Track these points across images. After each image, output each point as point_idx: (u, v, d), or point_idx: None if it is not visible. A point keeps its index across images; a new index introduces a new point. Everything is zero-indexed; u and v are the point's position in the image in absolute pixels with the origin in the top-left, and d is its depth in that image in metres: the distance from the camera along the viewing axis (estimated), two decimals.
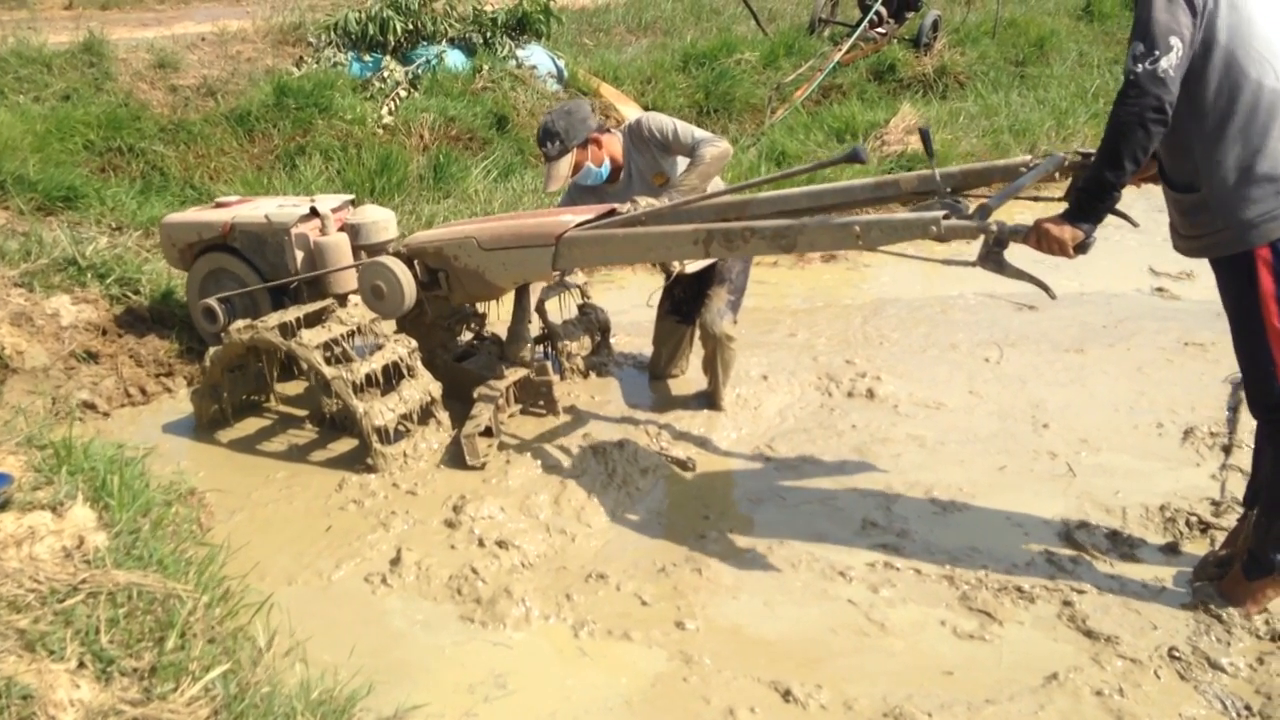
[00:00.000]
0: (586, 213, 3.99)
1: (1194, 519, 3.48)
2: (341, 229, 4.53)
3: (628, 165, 4.38)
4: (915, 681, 2.80)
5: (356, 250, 4.47)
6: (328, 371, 3.93)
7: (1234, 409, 4.25)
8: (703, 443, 4.22)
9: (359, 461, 4.03)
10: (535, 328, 4.66)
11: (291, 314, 4.18)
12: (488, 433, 4.10)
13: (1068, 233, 2.81)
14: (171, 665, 2.38)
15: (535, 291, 4.52)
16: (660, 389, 4.77)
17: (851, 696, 2.74)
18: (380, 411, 3.94)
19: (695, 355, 4.75)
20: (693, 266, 4.40)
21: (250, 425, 4.47)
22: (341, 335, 4.08)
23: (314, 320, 4.22)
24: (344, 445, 4.24)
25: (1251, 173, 2.66)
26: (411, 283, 4.16)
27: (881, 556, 3.38)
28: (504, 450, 4.13)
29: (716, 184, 4.30)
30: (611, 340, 5.04)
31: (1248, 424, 3.96)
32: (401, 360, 4.10)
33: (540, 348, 4.84)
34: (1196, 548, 3.34)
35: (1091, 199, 2.78)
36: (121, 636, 2.42)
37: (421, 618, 3.13)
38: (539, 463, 4.02)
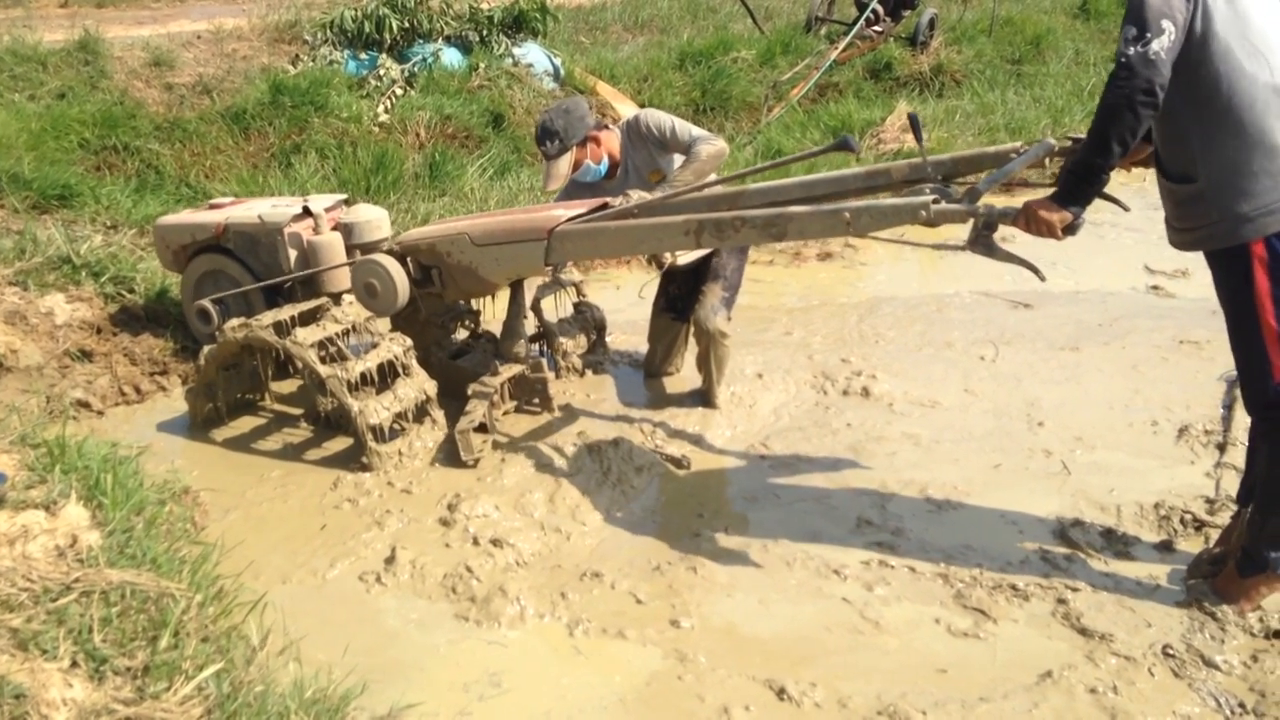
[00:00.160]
0: (579, 207, 3.99)
1: (1188, 517, 3.48)
2: (335, 228, 4.52)
3: (625, 161, 4.39)
4: (909, 679, 2.80)
5: (350, 249, 4.47)
6: (322, 370, 3.93)
7: (1229, 407, 4.26)
8: (698, 441, 4.22)
9: (354, 460, 4.03)
10: (531, 326, 4.66)
11: (287, 312, 4.17)
12: (482, 429, 4.10)
13: (1056, 215, 2.81)
14: (165, 664, 2.37)
15: (531, 288, 4.51)
16: (655, 387, 4.77)
17: (846, 694, 2.74)
18: (375, 410, 3.94)
19: (690, 353, 4.75)
20: (685, 259, 4.40)
21: (245, 424, 4.46)
22: (336, 334, 4.08)
23: (308, 319, 4.22)
24: (339, 444, 4.23)
25: (1247, 166, 2.66)
26: (405, 280, 4.15)
27: (876, 554, 3.38)
28: (499, 449, 4.13)
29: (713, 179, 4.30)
30: (607, 338, 5.03)
31: (1242, 422, 3.98)
32: (396, 358, 4.10)
33: (536, 345, 4.84)
34: (1191, 545, 3.34)
35: (1080, 181, 2.78)
36: (114, 635, 2.42)
37: (416, 616, 3.13)
38: (534, 461, 4.02)
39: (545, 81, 8.89)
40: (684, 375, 4.81)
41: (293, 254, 4.52)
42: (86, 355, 4.75)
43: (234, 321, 4.11)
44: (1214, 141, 2.69)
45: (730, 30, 11.69)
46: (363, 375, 3.97)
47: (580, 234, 3.80)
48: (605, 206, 3.97)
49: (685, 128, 4.26)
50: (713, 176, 4.26)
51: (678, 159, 4.32)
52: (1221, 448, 3.95)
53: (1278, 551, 2.92)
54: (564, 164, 4.25)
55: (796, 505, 3.72)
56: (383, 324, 4.33)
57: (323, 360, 3.98)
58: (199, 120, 7.34)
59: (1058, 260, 5.41)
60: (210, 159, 7.14)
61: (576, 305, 4.93)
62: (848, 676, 2.82)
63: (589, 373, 4.85)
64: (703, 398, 4.52)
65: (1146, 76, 2.57)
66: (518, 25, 9.19)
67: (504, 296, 4.60)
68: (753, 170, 3.99)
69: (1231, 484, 3.62)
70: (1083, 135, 2.86)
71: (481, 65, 8.55)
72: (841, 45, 10.33)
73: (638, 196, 4.01)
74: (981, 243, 3.01)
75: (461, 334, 4.86)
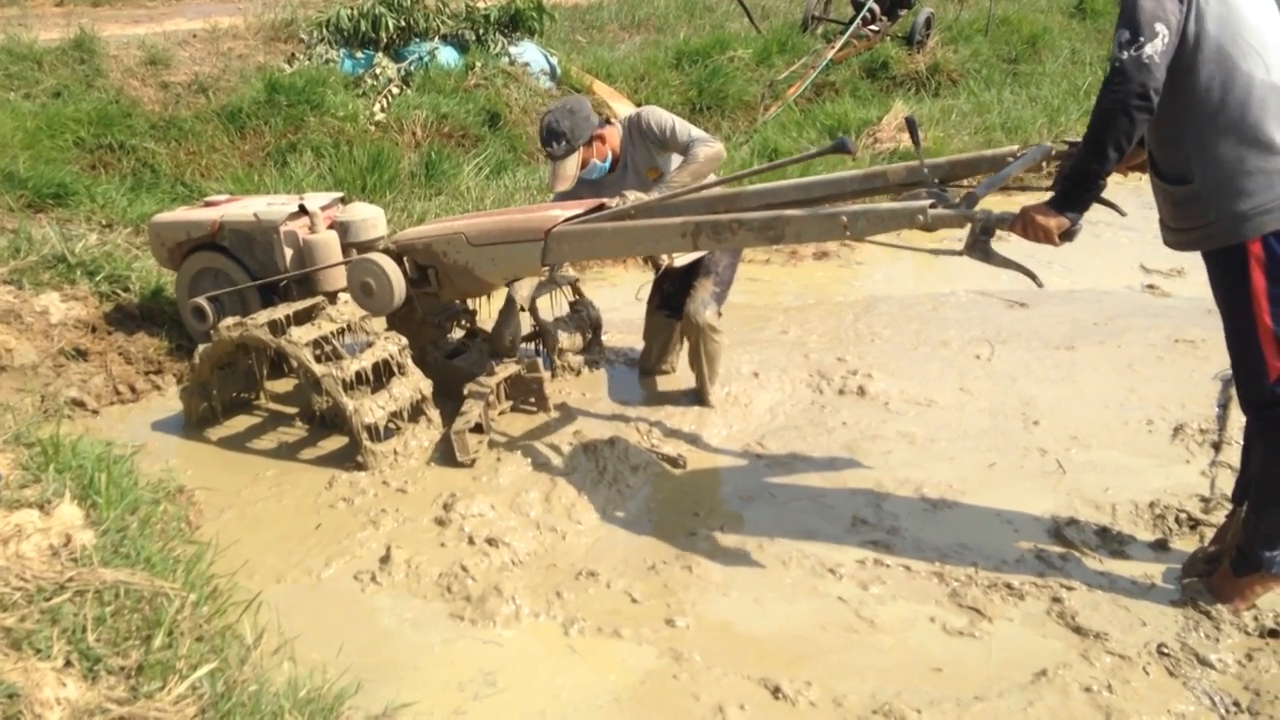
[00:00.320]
0: (575, 207, 3.99)
1: (1183, 516, 3.49)
2: (330, 226, 4.52)
3: (624, 157, 4.40)
4: (904, 678, 2.80)
5: (346, 248, 4.46)
6: (317, 369, 3.92)
7: (1224, 406, 4.26)
8: (693, 440, 4.22)
9: (349, 459, 4.02)
10: (527, 324, 4.66)
11: (281, 311, 4.16)
12: (478, 429, 4.10)
13: (1053, 221, 2.81)
14: (158, 663, 2.37)
15: (527, 286, 4.52)
16: (651, 386, 4.77)
17: (841, 693, 2.74)
18: (370, 409, 3.93)
19: (685, 350, 4.76)
20: (681, 260, 4.40)
21: (240, 423, 4.46)
22: (331, 333, 4.07)
23: (304, 318, 4.21)
24: (334, 443, 4.23)
25: (1243, 165, 2.66)
26: (401, 279, 4.15)
27: (871, 553, 3.38)
28: (494, 448, 4.12)
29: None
30: (603, 337, 5.03)
31: (1237, 421, 3.99)
32: (392, 357, 4.09)
33: (531, 344, 4.84)
34: (1186, 544, 3.35)
35: (1077, 187, 2.78)
36: (108, 635, 2.41)
37: (411, 615, 3.13)
38: (529, 460, 4.01)
39: (542, 80, 8.89)
40: (680, 374, 4.81)
41: (288, 252, 4.51)
42: (81, 354, 4.74)
43: (229, 320, 4.10)
44: (1209, 141, 2.69)
45: (727, 29, 11.69)
46: (358, 374, 3.97)
47: (577, 235, 3.79)
48: (602, 207, 3.97)
49: (685, 128, 4.27)
50: (712, 177, 4.27)
51: (676, 158, 4.33)
52: (1216, 446, 3.96)
53: (1272, 550, 2.93)
54: (571, 164, 4.25)
55: (792, 504, 3.72)
56: (378, 323, 4.32)
57: (318, 359, 3.97)
58: (194, 119, 7.34)
59: (1053, 259, 5.38)
60: (206, 158, 7.13)
61: (572, 304, 4.93)
62: (843, 675, 2.82)
63: (585, 371, 4.85)
64: (696, 396, 4.52)
65: (1140, 81, 2.57)
66: (514, 24, 9.18)
67: (500, 296, 4.60)
68: (751, 172, 3.99)
69: (1226, 483, 3.62)
70: (1079, 139, 2.87)
71: (478, 64, 8.55)
72: (838, 44, 10.33)
73: (634, 198, 4.01)
74: (979, 248, 3.00)
75: (457, 333, 4.86)
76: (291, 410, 4.55)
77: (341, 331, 4.13)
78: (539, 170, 7.62)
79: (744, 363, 4.84)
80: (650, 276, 4.75)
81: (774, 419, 4.38)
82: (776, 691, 2.74)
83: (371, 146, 7.20)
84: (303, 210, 4.56)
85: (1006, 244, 3.03)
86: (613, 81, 9.55)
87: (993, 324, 5.34)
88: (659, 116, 4.31)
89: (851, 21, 10.63)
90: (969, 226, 3.00)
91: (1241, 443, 3.22)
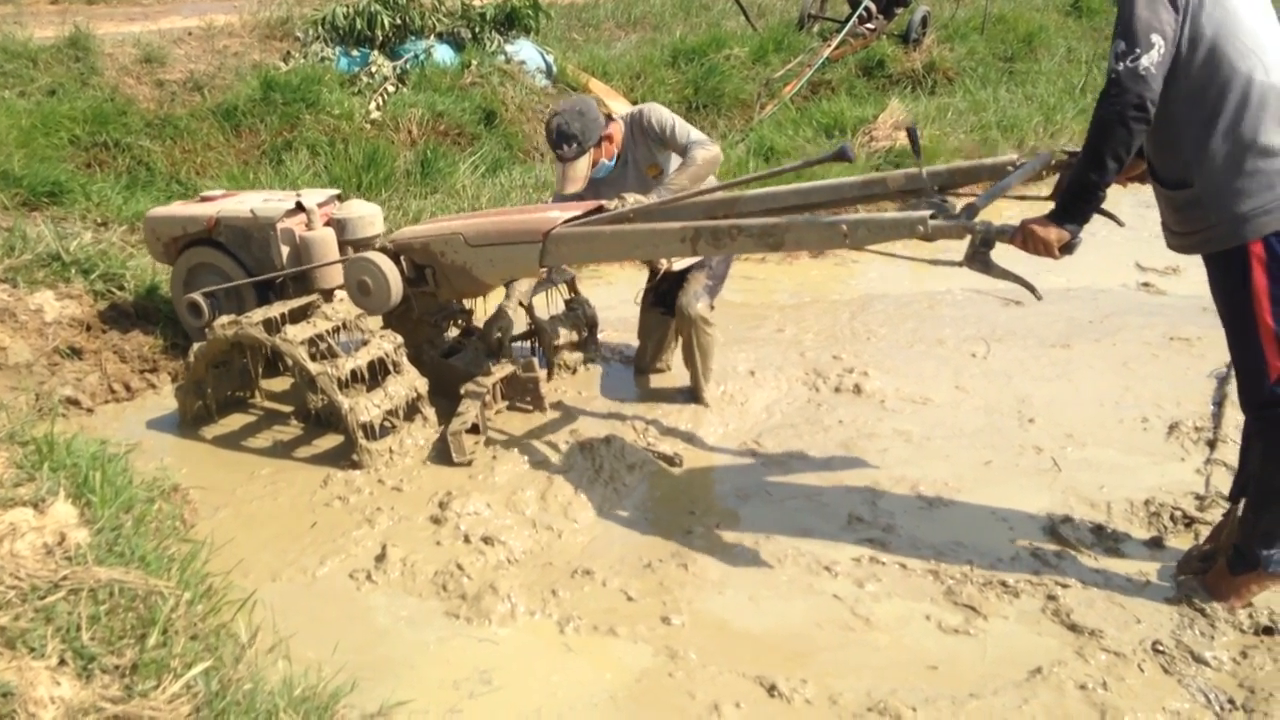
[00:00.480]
0: (574, 209, 3.98)
1: (1178, 513, 3.49)
2: (327, 224, 4.51)
3: (626, 154, 4.40)
4: (900, 676, 2.80)
5: (343, 245, 4.45)
6: (313, 367, 3.92)
7: (1219, 403, 4.27)
8: (689, 438, 4.22)
9: (344, 458, 4.02)
10: (522, 323, 4.66)
11: (276, 309, 4.16)
12: (474, 429, 4.09)
13: (1053, 234, 2.81)
14: (153, 662, 2.36)
15: (526, 283, 4.51)
16: (647, 384, 4.76)
17: (836, 691, 2.74)
18: (366, 407, 3.93)
19: (680, 347, 4.76)
20: (680, 264, 4.40)
21: (235, 421, 4.45)
22: (327, 331, 4.07)
23: (299, 316, 4.20)
24: (329, 441, 4.22)
25: (1243, 166, 2.66)
26: (398, 278, 4.14)
27: (867, 551, 3.38)
28: (490, 446, 4.12)
29: (710, 183, 4.30)
30: (599, 335, 5.03)
31: (1232, 418, 4.00)
32: (387, 356, 4.09)
33: (527, 343, 4.83)
34: (1181, 542, 3.35)
35: (1076, 200, 2.78)
36: (103, 634, 2.40)
37: (406, 614, 3.13)
38: (525, 459, 4.01)
39: (537, 79, 8.88)
40: (675, 372, 4.81)
41: (285, 249, 4.50)
42: (76, 352, 4.73)
43: (224, 319, 4.09)
44: (1207, 145, 2.69)
45: (723, 27, 11.68)
46: (353, 372, 3.96)
47: (576, 237, 3.78)
48: (600, 209, 3.96)
49: (685, 129, 4.27)
50: (711, 180, 4.27)
51: (675, 157, 4.33)
52: (1212, 444, 3.96)
53: (1269, 549, 2.93)
54: (583, 166, 4.23)
55: (788, 502, 3.72)
56: (374, 321, 4.32)
57: (313, 357, 3.97)
58: (190, 117, 7.32)
59: (1048, 260, 5.40)
60: (201, 156, 7.11)
61: (568, 302, 4.93)
62: (838, 673, 2.82)
63: (581, 370, 4.85)
64: (691, 394, 4.52)
65: (1137, 92, 2.57)
66: (510, 22, 9.18)
67: (496, 295, 4.60)
68: (752, 178, 3.98)
69: (1221, 480, 3.63)
70: (1079, 149, 2.87)
71: (474, 62, 8.54)
72: (834, 43, 10.33)
73: (633, 200, 4.00)
74: (979, 259, 3.00)
75: (453, 332, 4.85)
76: (287, 408, 4.55)
77: (337, 330, 4.12)
78: (535, 168, 7.62)
79: (740, 361, 4.84)
80: (646, 277, 4.75)
81: (770, 417, 4.38)
82: (772, 689, 2.75)
83: (367, 145, 7.18)
84: (300, 207, 4.55)
85: (1005, 255, 3.02)
86: (609, 80, 9.55)
87: (988, 322, 5.35)
88: (660, 114, 4.31)
89: (848, 20, 10.63)
90: (969, 238, 2.99)
91: (1236, 440, 3.22)
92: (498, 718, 2.68)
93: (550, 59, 9.21)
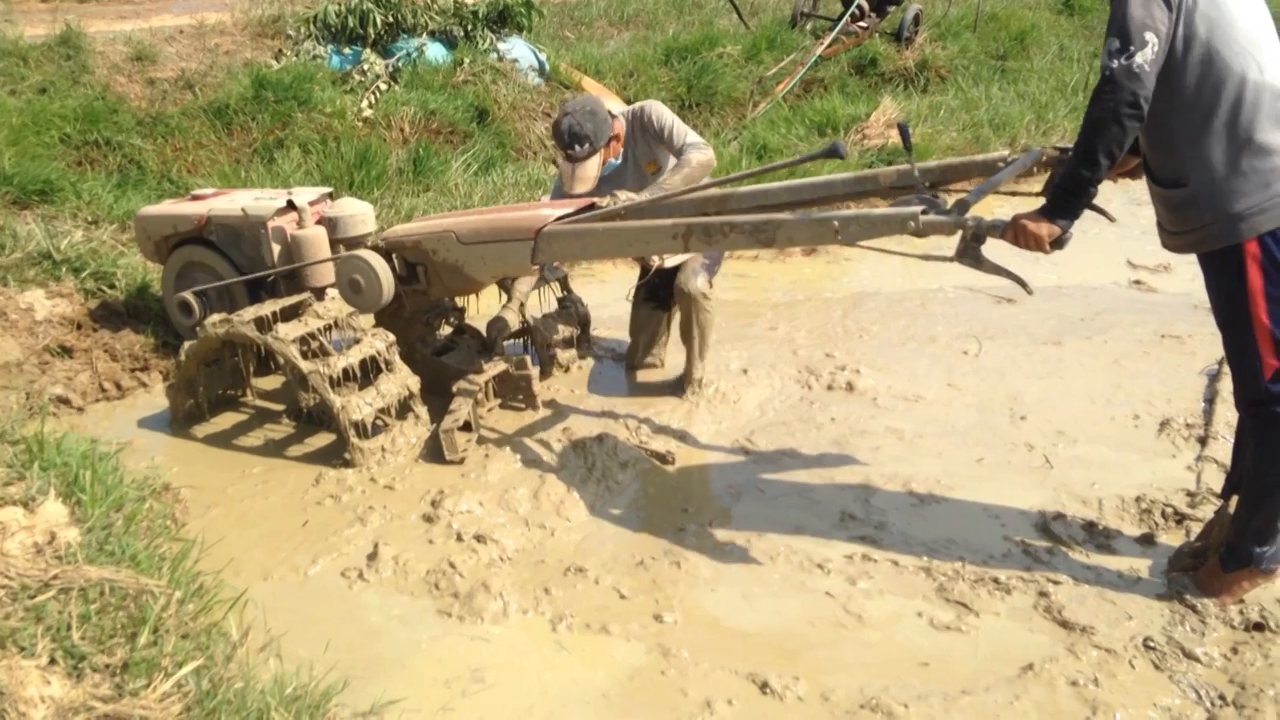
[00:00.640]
0: (566, 206, 3.98)
1: (1170, 510, 3.50)
2: (319, 222, 4.50)
3: (626, 150, 4.41)
4: (892, 673, 2.80)
5: (334, 244, 4.44)
6: (304, 366, 3.91)
7: (1210, 400, 4.28)
8: (682, 436, 4.22)
9: (336, 456, 4.01)
10: (515, 321, 4.65)
11: (268, 308, 4.15)
12: (466, 427, 4.09)
13: (1045, 229, 2.82)
14: (144, 661, 2.36)
15: (527, 283, 4.51)
16: (640, 382, 4.76)
17: (828, 688, 2.74)
18: (358, 406, 3.92)
19: (675, 345, 4.76)
20: (671, 261, 4.41)
21: (226, 420, 4.44)
22: (318, 329, 4.06)
23: (291, 314, 4.20)
24: (321, 440, 4.22)
25: (1238, 166, 2.67)
26: (389, 277, 4.14)
27: (859, 548, 3.38)
28: (483, 444, 4.12)
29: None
30: (591, 333, 5.03)
31: (1223, 416, 4.01)
32: (379, 354, 4.08)
33: (520, 341, 4.83)
34: (1172, 539, 3.36)
35: (1068, 195, 2.79)
36: (93, 633, 2.40)
37: (398, 612, 3.12)
38: (518, 457, 4.01)
39: (530, 77, 8.86)
40: (669, 369, 4.81)
41: (276, 248, 4.49)
42: (66, 351, 4.72)
43: (215, 317, 4.09)
44: (1202, 144, 2.70)
45: (716, 25, 11.69)
46: (345, 371, 3.95)
47: (568, 235, 3.78)
48: (593, 207, 3.96)
49: (683, 130, 4.30)
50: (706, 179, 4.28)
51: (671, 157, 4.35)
52: (1203, 441, 3.97)
53: (1262, 547, 2.94)
54: (593, 166, 4.24)
55: (780, 500, 3.72)
56: (366, 320, 4.31)
57: (305, 356, 3.96)
58: (181, 115, 7.30)
59: (1040, 256, 5.41)
60: (192, 154, 7.09)
61: (561, 300, 4.93)
62: (830, 670, 2.82)
63: (573, 368, 4.85)
64: (681, 378, 4.54)
65: (1131, 89, 2.58)
66: (502, 20, 9.16)
67: (489, 293, 4.59)
68: (744, 175, 3.99)
69: (1212, 477, 3.64)
70: (1070, 146, 2.87)
71: (466, 60, 8.52)
72: (827, 41, 10.33)
73: (625, 198, 4.00)
74: (970, 255, 3.01)
75: (446, 330, 4.85)
76: (278, 407, 4.54)
77: (329, 328, 4.11)
78: (527, 167, 7.61)
79: (733, 359, 4.85)
80: (639, 275, 4.75)
81: (762, 415, 4.38)
82: (765, 687, 2.75)
83: (359, 143, 7.17)
84: (291, 205, 4.54)
85: (996, 250, 3.03)
86: (601, 78, 9.54)
87: (980, 320, 5.36)
88: (660, 112, 4.33)
89: (840, 18, 10.63)
90: (960, 233, 3.00)
91: (1227, 437, 3.23)
92: (490, 716, 2.68)
93: (543, 57, 9.19)
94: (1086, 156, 2.70)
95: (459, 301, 4.83)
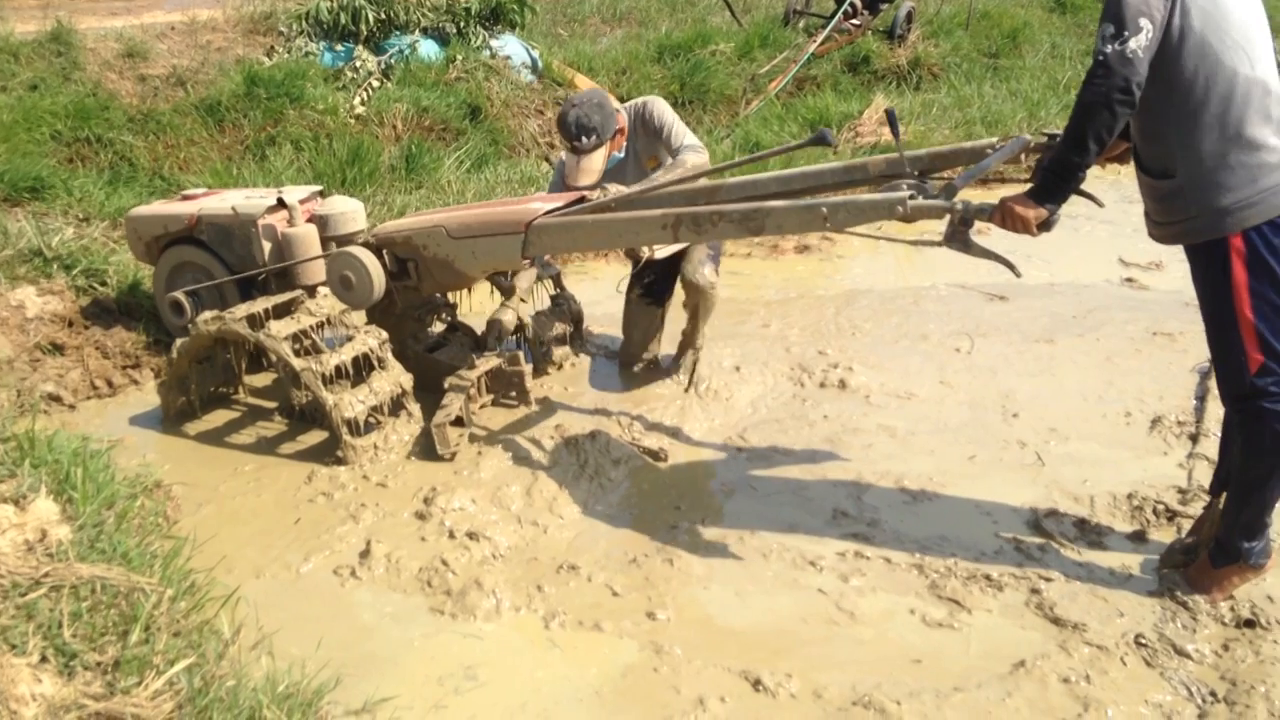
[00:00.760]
0: (556, 200, 3.99)
1: (1161, 507, 3.51)
2: (310, 220, 4.48)
3: (629, 144, 4.42)
4: (884, 670, 2.81)
5: (325, 241, 4.43)
6: (297, 363, 3.90)
7: (1201, 398, 4.29)
8: (675, 433, 4.22)
9: (328, 454, 4.00)
10: (515, 320, 4.64)
11: (260, 305, 4.14)
12: (458, 422, 4.09)
13: (1032, 211, 2.83)
14: (135, 659, 2.35)
15: (527, 279, 4.51)
16: (633, 379, 4.76)
17: (821, 685, 2.75)
18: (350, 403, 3.91)
19: (669, 341, 4.77)
20: (662, 252, 4.41)
21: (218, 418, 4.43)
22: (310, 327, 4.05)
23: (282, 311, 4.18)
24: (313, 437, 4.21)
25: (1226, 159, 2.67)
26: (380, 273, 4.13)
27: (852, 546, 3.39)
28: (475, 442, 4.11)
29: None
30: (584, 330, 5.02)
31: (1214, 413, 4.01)
32: (371, 351, 4.08)
33: (513, 338, 4.82)
34: (1163, 535, 3.37)
35: (1056, 179, 2.80)
36: (85, 630, 2.40)
37: (391, 610, 3.12)
38: (511, 454, 4.01)
39: (523, 74, 8.85)
40: (662, 367, 4.81)
41: (267, 246, 4.48)
42: (58, 348, 4.70)
43: (207, 314, 4.07)
44: (1192, 136, 2.70)
45: (708, 23, 11.68)
46: (337, 368, 3.95)
47: (557, 227, 3.79)
48: (582, 200, 3.96)
49: (682, 131, 4.32)
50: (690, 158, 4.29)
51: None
52: (1194, 438, 3.98)
53: (1250, 542, 2.95)
54: (599, 159, 4.23)
55: (773, 497, 3.73)
56: (358, 317, 4.30)
57: (297, 353, 3.95)
58: (173, 112, 7.28)
59: (1033, 253, 5.43)
60: (184, 151, 7.07)
61: (554, 297, 4.92)
62: (823, 667, 2.82)
63: (566, 365, 4.85)
64: (680, 361, 4.63)
65: (1124, 75, 2.58)
66: (495, 17, 9.14)
67: (481, 289, 4.58)
68: (731, 164, 4.00)
69: (1203, 474, 3.65)
70: (1058, 131, 2.87)
71: (459, 57, 8.51)
72: (819, 38, 10.34)
73: (615, 190, 4.01)
74: (958, 238, 3.02)
75: (438, 327, 4.84)
76: (270, 405, 4.53)
77: (321, 325, 4.11)
78: (520, 164, 7.60)
79: (725, 356, 4.84)
80: (630, 269, 4.75)
81: (755, 412, 4.38)
82: (757, 684, 2.75)
83: (351, 140, 7.15)
84: (281, 204, 4.53)
85: (984, 233, 3.04)
86: (594, 75, 9.53)
87: (972, 317, 5.36)
88: (662, 111, 4.35)
89: (833, 16, 10.63)
90: (948, 217, 3.01)
91: (1218, 434, 3.24)
92: (483, 713, 2.68)
93: (535, 54, 9.18)
94: (1076, 141, 2.70)
95: (451, 297, 4.82)
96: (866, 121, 8.44)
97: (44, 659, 2.27)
